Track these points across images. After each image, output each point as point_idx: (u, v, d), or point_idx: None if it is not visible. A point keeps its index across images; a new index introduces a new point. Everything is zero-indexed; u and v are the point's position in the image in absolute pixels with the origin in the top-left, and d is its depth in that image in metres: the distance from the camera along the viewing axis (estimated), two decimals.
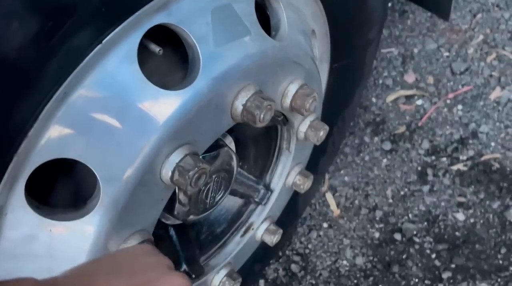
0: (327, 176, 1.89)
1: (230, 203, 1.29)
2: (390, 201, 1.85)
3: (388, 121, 2.00)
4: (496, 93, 2.01)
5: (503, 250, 1.71)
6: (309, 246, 1.79)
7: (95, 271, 0.64)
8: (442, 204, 1.82)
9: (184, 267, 1.17)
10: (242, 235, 1.30)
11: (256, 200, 1.29)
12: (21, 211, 0.79)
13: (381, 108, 2.03)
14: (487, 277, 1.67)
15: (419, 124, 1.98)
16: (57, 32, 0.68)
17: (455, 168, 1.88)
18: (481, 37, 2.15)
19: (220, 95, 0.88)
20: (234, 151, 1.14)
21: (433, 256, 1.74)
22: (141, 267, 0.66)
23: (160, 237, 1.13)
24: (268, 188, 1.29)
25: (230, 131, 1.13)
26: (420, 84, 2.06)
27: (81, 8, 0.69)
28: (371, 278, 1.72)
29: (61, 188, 0.88)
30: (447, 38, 2.16)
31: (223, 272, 1.25)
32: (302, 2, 1.10)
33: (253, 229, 1.30)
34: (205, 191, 1.10)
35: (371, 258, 1.75)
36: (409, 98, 2.04)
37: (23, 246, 0.82)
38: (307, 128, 1.17)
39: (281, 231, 1.32)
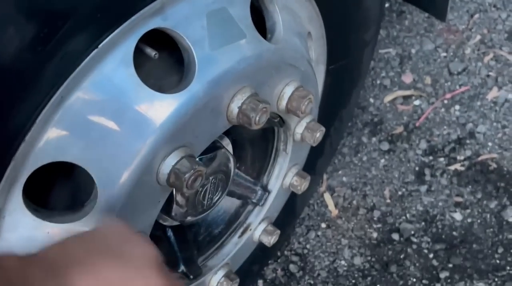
0: (325, 176, 1.90)
1: (228, 204, 1.30)
2: (388, 201, 1.86)
3: (386, 122, 2.01)
4: (493, 93, 2.02)
5: (500, 250, 1.72)
6: (308, 246, 1.80)
7: (74, 246, 0.68)
8: (440, 204, 1.83)
9: (182, 268, 1.18)
10: (240, 236, 1.31)
11: (254, 201, 1.30)
12: (19, 213, 0.80)
13: (379, 108, 2.04)
14: (485, 277, 1.68)
15: (417, 124, 1.99)
16: (53, 37, 0.69)
17: (452, 168, 1.89)
18: (478, 37, 2.15)
19: (216, 98, 0.89)
20: (232, 153, 1.15)
21: (431, 255, 1.74)
22: (116, 241, 0.70)
23: (158, 238, 1.13)
24: (265, 189, 1.30)
25: (228, 133, 1.14)
26: (417, 85, 2.07)
27: (77, 14, 0.70)
28: (369, 278, 1.73)
29: (58, 191, 0.89)
30: (444, 39, 2.16)
31: (221, 273, 1.26)
32: (297, 4, 1.11)
33: (250, 230, 1.31)
34: (202, 193, 1.10)
35: (369, 258, 1.76)
36: (406, 98, 2.05)
37: (21, 248, 0.83)
38: (304, 129, 1.18)
39: (278, 231, 1.33)
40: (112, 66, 0.78)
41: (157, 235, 1.13)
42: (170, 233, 1.17)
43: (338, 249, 1.79)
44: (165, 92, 0.83)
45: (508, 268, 1.69)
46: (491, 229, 1.77)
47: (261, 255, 1.50)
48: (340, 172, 1.92)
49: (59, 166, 0.81)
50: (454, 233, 1.78)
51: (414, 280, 1.71)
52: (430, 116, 2.00)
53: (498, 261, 1.71)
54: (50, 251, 0.66)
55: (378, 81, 2.09)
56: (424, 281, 1.70)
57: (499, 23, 2.19)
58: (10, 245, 0.82)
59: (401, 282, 1.71)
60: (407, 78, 2.09)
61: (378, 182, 1.90)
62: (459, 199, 1.83)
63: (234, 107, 0.93)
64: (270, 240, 1.32)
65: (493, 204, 1.81)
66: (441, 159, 1.91)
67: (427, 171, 1.89)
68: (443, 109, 2.02)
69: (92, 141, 0.80)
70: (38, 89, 0.72)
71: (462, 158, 1.91)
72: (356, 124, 2.00)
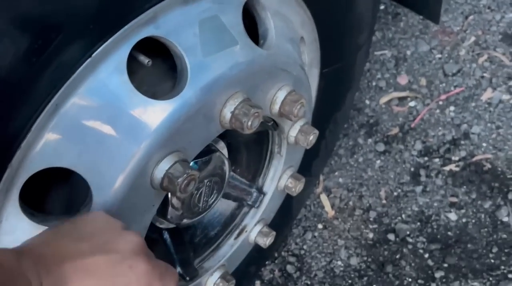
0: (321, 178, 1.91)
1: (224, 206, 1.31)
2: (384, 201, 1.87)
3: (382, 123, 2.03)
4: (487, 94, 2.04)
5: (494, 249, 1.74)
6: (304, 247, 1.82)
7: (60, 236, 0.72)
8: (435, 204, 1.85)
9: (179, 269, 1.19)
10: (236, 238, 1.32)
11: (249, 203, 1.31)
12: (15, 218, 0.81)
13: (375, 110, 2.06)
14: (479, 276, 1.70)
15: (412, 125, 2.01)
16: (47, 49, 0.70)
17: (447, 168, 1.91)
18: (472, 38, 2.17)
19: (209, 104, 0.91)
20: (227, 156, 1.17)
21: (426, 255, 1.76)
22: (99, 229, 0.74)
23: (154, 241, 1.15)
24: (260, 191, 1.31)
25: (223, 137, 1.16)
26: (413, 86, 2.09)
27: (69, 25, 0.72)
28: (365, 278, 1.74)
29: (54, 195, 0.91)
30: (439, 40, 2.18)
31: (217, 274, 1.27)
32: (290, 10, 1.12)
33: (246, 231, 1.33)
34: (197, 195, 1.12)
35: (365, 258, 1.78)
36: (402, 100, 2.07)
37: None
38: (297, 132, 1.19)
39: (274, 233, 1.35)
40: (106, 74, 0.80)
41: (154, 237, 1.15)
42: (166, 235, 1.19)
43: (335, 249, 1.80)
44: (158, 98, 0.85)
45: (502, 267, 1.71)
46: (486, 229, 1.78)
47: (257, 256, 1.52)
48: (336, 173, 1.94)
49: (55, 171, 0.83)
50: (449, 233, 1.79)
51: (410, 280, 1.72)
52: (425, 118, 2.02)
53: (492, 261, 1.72)
54: (40, 244, 0.70)
55: (374, 83, 2.11)
56: (419, 281, 1.72)
57: (493, 25, 2.20)
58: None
59: (397, 282, 1.72)
60: (403, 79, 2.11)
61: (374, 183, 1.91)
62: (454, 199, 1.85)
63: (227, 113, 0.94)
64: (265, 242, 1.34)
65: (487, 204, 1.82)
66: (436, 160, 1.93)
67: (422, 172, 1.91)
68: (438, 111, 2.03)
69: (86, 147, 0.82)
70: (33, 98, 0.73)
71: (457, 158, 1.93)
72: (352, 125, 2.02)
